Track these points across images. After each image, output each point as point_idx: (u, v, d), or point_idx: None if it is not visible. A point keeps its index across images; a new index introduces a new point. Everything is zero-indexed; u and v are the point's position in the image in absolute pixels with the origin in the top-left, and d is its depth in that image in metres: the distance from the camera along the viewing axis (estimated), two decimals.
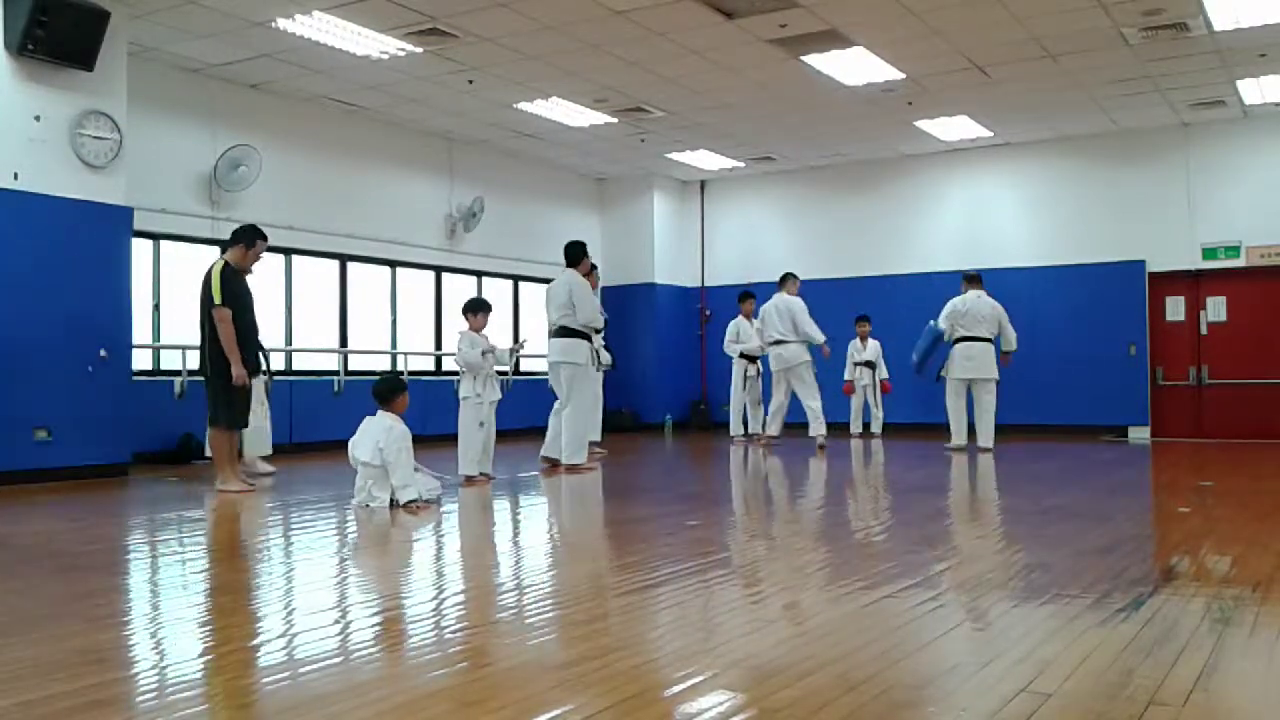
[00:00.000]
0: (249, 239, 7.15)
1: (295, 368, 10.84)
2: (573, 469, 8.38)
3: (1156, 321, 12.53)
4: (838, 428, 13.11)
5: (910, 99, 10.95)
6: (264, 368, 7.54)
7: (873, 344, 12.84)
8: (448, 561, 4.89)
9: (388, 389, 6.20)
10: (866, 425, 12.97)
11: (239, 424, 7.12)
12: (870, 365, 12.85)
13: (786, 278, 11.41)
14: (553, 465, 8.56)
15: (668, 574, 4.08)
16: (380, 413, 6.10)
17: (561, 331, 8.54)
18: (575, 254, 8.75)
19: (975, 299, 10.39)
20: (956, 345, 10.35)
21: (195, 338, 9.79)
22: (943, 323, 10.37)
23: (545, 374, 13.85)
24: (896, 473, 8.73)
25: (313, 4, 8.15)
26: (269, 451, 8.45)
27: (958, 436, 10.39)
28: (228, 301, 6.84)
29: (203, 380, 7.14)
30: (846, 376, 12.89)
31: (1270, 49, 9.42)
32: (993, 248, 13.32)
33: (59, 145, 7.80)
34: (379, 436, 5.94)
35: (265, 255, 7.46)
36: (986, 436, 10.24)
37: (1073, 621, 3.15)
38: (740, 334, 11.96)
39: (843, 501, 7.11)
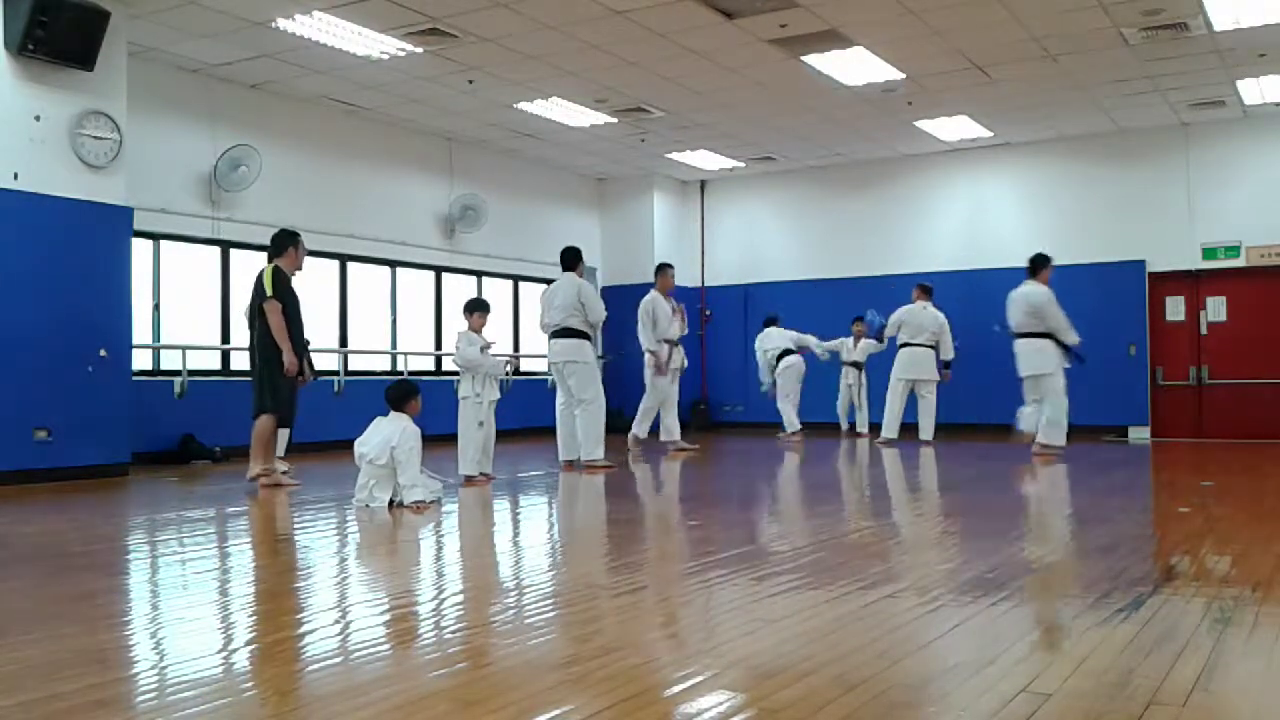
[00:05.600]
0: (293, 240, 7.30)
1: None
2: (592, 467, 8.41)
3: (1156, 321, 12.53)
4: (827, 427, 13.12)
5: (910, 99, 10.95)
6: (310, 369, 7.62)
7: (863, 344, 12.88)
8: (448, 561, 4.89)
9: (401, 393, 6.22)
10: (852, 425, 13.03)
11: (284, 417, 7.17)
12: (858, 366, 12.90)
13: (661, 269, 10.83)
14: (570, 465, 8.60)
15: (668, 574, 4.07)
16: (392, 414, 6.12)
17: (566, 332, 8.53)
18: (573, 258, 8.76)
19: (920, 310, 11.44)
20: (901, 350, 11.44)
21: (196, 338, 9.93)
22: (889, 327, 11.62)
23: (544, 374, 14.01)
24: (891, 472, 8.73)
25: (313, 4, 8.15)
26: (283, 452, 8.41)
27: (890, 431, 11.32)
28: (279, 295, 7.01)
29: (250, 377, 7.24)
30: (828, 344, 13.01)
31: (1270, 49, 9.42)
32: (993, 248, 13.31)
33: (59, 145, 7.80)
34: (391, 436, 5.96)
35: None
36: (927, 431, 11.31)
37: (1073, 621, 3.15)
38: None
39: (841, 501, 7.10)
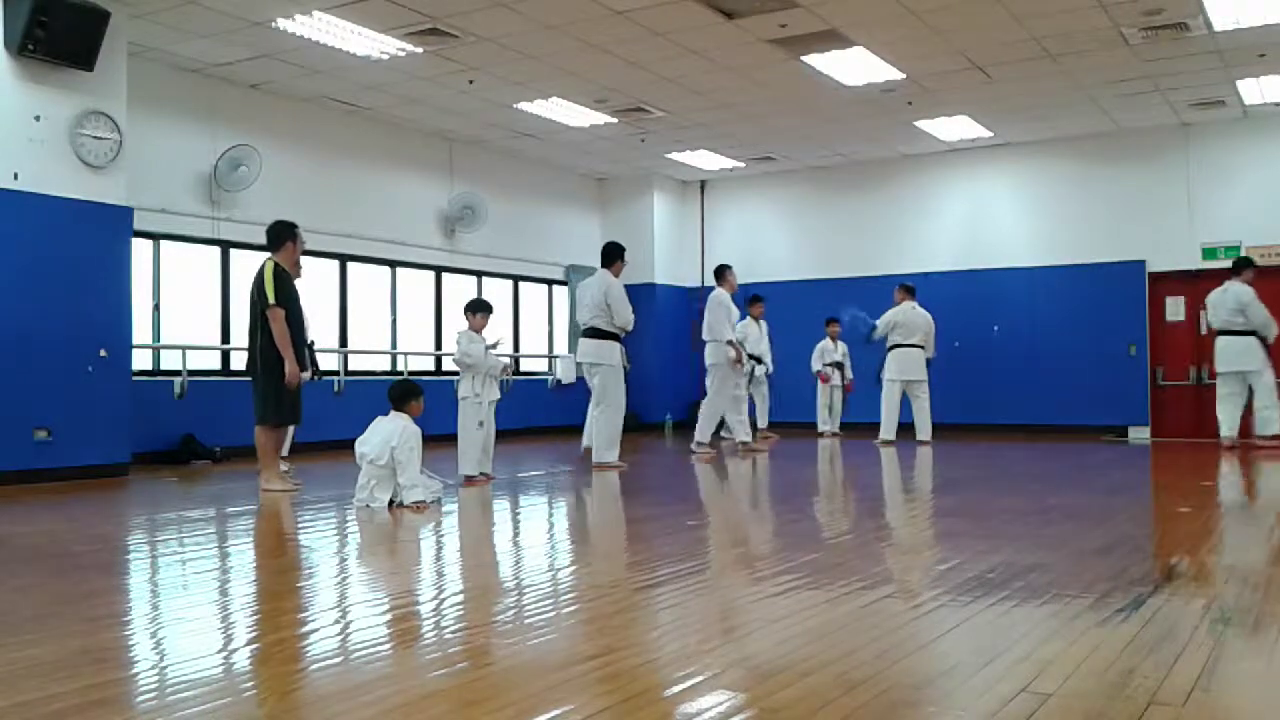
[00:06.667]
0: (291, 233, 7.11)
1: None
2: (601, 467, 8.44)
3: (1156, 321, 12.53)
4: (806, 426, 13.10)
5: (910, 99, 10.95)
6: (314, 368, 7.56)
7: (840, 344, 12.88)
8: (448, 561, 4.89)
9: (403, 392, 6.21)
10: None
11: (288, 420, 7.14)
12: (839, 367, 12.90)
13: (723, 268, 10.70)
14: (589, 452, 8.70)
15: (668, 574, 4.07)
16: (392, 413, 6.12)
17: (593, 332, 8.52)
18: (610, 254, 8.69)
19: (910, 310, 11.58)
20: (892, 351, 11.54)
21: (196, 338, 9.93)
22: (880, 328, 11.61)
23: (545, 374, 14.05)
24: (888, 473, 8.73)
25: (313, 4, 8.15)
26: (286, 451, 8.40)
27: (887, 432, 11.42)
28: (281, 301, 6.84)
29: (250, 379, 7.12)
30: (816, 367, 12.88)
31: (1270, 49, 9.42)
32: (993, 248, 13.33)
33: (59, 145, 7.80)
34: (391, 436, 5.95)
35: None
36: (924, 431, 11.38)
37: (1073, 621, 3.15)
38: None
39: (840, 501, 7.10)
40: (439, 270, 12.66)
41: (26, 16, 7.35)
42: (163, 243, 9.75)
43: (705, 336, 10.22)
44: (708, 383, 10.27)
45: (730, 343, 10.03)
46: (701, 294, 15.15)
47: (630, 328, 8.60)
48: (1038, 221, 13.13)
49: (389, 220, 11.86)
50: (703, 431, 10.18)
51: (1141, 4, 8.26)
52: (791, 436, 12.56)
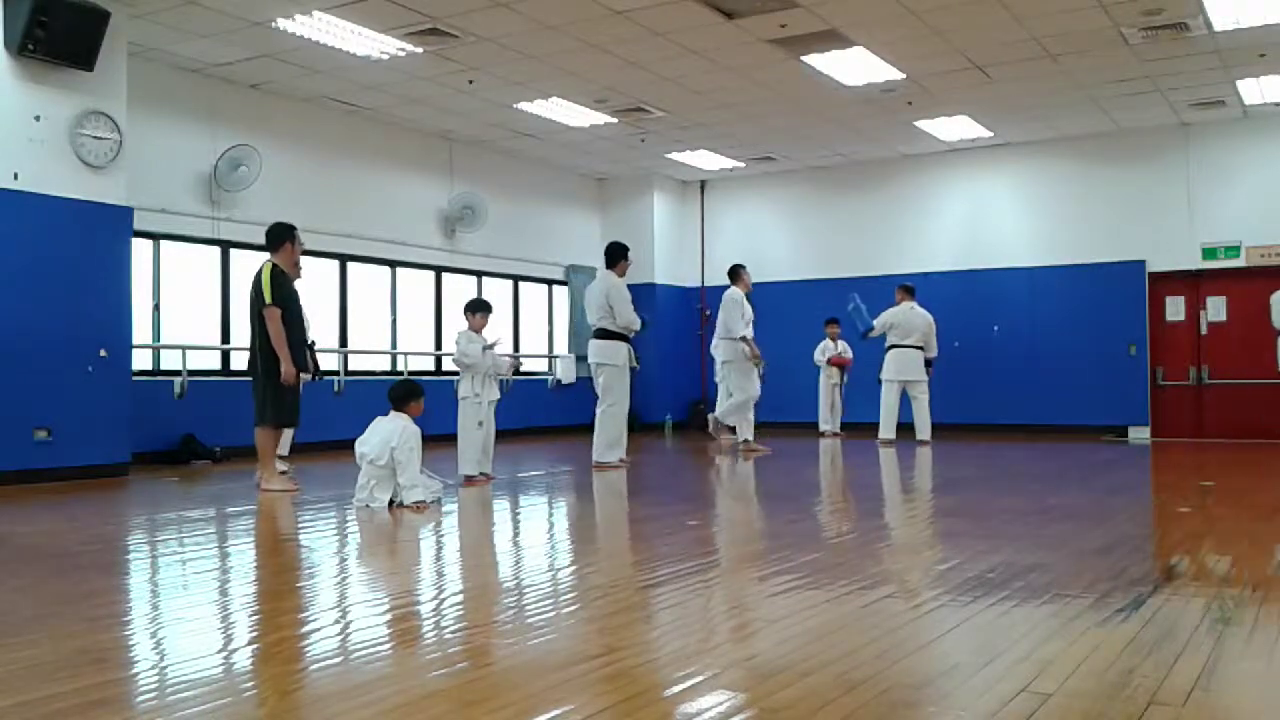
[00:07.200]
0: (289, 234, 7.12)
1: None
2: (601, 467, 8.45)
3: (1156, 321, 12.53)
4: (807, 426, 13.10)
5: (910, 99, 10.95)
6: (315, 368, 7.56)
7: (841, 344, 12.88)
8: (448, 561, 4.89)
9: (404, 393, 6.21)
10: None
11: (287, 422, 7.14)
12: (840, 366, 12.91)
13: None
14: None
15: (668, 574, 4.07)
16: (392, 413, 6.12)
17: (600, 334, 8.53)
18: (614, 255, 8.69)
19: (909, 310, 11.57)
20: (890, 351, 11.56)
21: (196, 338, 9.93)
22: (877, 327, 11.58)
23: (545, 374, 14.05)
24: (888, 473, 8.73)
25: (313, 4, 8.15)
26: (286, 451, 8.40)
27: (887, 431, 11.42)
28: (278, 301, 6.85)
29: (250, 380, 7.13)
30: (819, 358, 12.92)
31: (1270, 49, 9.42)
32: (993, 248, 13.33)
33: (59, 145, 7.80)
34: (391, 436, 5.95)
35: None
36: (924, 431, 11.38)
37: (1073, 621, 3.15)
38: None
39: (840, 501, 7.10)
40: (439, 270, 12.65)
41: (26, 16, 7.35)
42: (163, 243, 9.75)
43: (719, 335, 10.27)
44: (731, 380, 10.32)
45: (743, 338, 10.05)
46: (702, 294, 15.23)
47: (635, 327, 8.57)
48: (1038, 221, 13.13)
49: (389, 220, 11.86)
50: (726, 415, 10.21)
51: (1141, 4, 8.26)
52: (792, 436, 12.55)
